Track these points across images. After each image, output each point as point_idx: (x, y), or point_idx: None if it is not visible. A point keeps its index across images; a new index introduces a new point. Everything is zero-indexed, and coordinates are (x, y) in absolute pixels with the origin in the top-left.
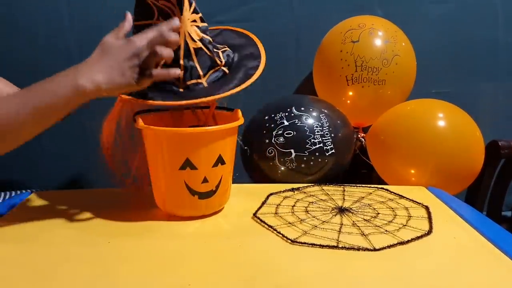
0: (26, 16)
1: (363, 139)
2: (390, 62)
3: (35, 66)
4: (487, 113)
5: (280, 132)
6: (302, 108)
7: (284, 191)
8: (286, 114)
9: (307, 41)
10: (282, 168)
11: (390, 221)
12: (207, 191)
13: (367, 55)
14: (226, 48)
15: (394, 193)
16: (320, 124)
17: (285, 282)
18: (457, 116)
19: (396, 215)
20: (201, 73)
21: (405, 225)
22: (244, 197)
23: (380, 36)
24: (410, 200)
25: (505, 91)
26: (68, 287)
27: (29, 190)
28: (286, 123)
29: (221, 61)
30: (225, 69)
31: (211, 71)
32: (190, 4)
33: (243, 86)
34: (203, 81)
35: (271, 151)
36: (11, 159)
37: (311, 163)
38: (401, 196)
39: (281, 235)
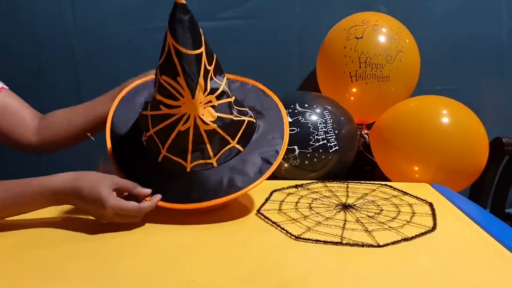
0: (29, 14)
1: (366, 136)
2: (394, 58)
3: (38, 64)
4: (491, 110)
5: None
6: (306, 105)
7: (287, 188)
8: (290, 110)
9: (311, 37)
10: (286, 165)
11: (394, 218)
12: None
13: (371, 51)
14: (246, 118)
15: (398, 189)
16: (323, 121)
17: (289, 278)
18: (461, 113)
19: (400, 211)
20: (211, 153)
21: (409, 222)
22: (247, 193)
23: (384, 33)
24: (414, 196)
25: (509, 88)
26: (73, 282)
27: None
28: (289, 119)
29: (234, 138)
30: (238, 146)
31: (222, 151)
32: (207, 83)
33: (252, 186)
34: (213, 162)
35: None
36: (14, 157)
37: (315, 159)
38: (405, 193)
39: (285, 232)
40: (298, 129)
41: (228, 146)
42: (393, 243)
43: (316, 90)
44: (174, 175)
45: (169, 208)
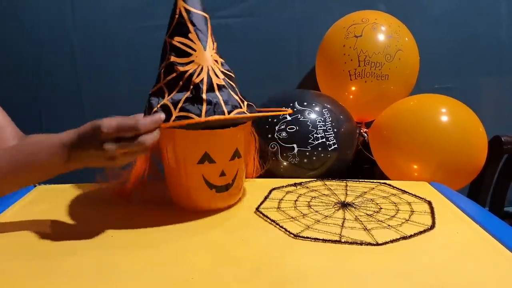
0: (29, 14)
1: (365, 134)
2: (393, 57)
3: (37, 63)
4: (490, 108)
5: (282, 127)
6: (305, 103)
7: (286, 186)
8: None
9: (310, 35)
10: (285, 163)
11: (393, 216)
12: (225, 184)
13: (370, 50)
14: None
15: (396, 188)
16: (322, 119)
17: (287, 277)
18: (460, 111)
19: (398, 210)
20: (225, 110)
21: (408, 220)
22: (246, 191)
23: (383, 31)
24: (413, 195)
25: (508, 86)
26: (72, 280)
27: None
28: (288, 118)
29: (243, 103)
30: (248, 113)
31: (235, 111)
32: (213, 44)
33: (274, 112)
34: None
35: (273, 146)
36: None
37: (314, 158)
38: (404, 191)
39: (283, 230)
40: (297, 127)
41: (239, 110)
42: (392, 241)
43: (315, 88)
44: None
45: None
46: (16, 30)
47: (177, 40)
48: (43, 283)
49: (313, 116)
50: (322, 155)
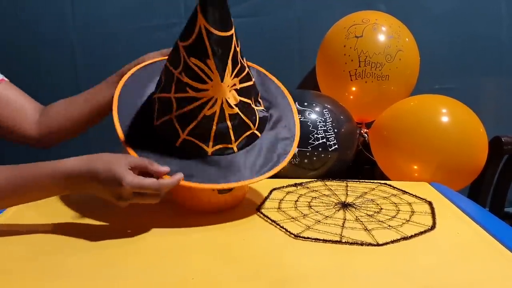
0: (29, 12)
1: (366, 135)
2: (394, 57)
3: (37, 63)
4: (491, 109)
5: None
6: (305, 103)
7: (287, 186)
8: None
9: (310, 36)
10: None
11: (393, 217)
12: None
13: (371, 50)
14: (261, 108)
15: (397, 188)
16: (323, 120)
17: (288, 277)
18: (461, 112)
19: (399, 210)
20: (233, 138)
21: (409, 221)
22: (247, 192)
23: (383, 32)
24: (413, 195)
25: (509, 87)
26: (73, 279)
27: None
28: None
29: (255, 123)
30: (257, 132)
31: (243, 136)
32: (235, 66)
33: (272, 172)
34: (234, 147)
35: None
36: (15, 153)
37: (314, 158)
38: (404, 192)
39: (284, 230)
40: None
41: (249, 132)
42: (393, 242)
43: (315, 88)
44: (194, 158)
45: (183, 203)
46: (16, 29)
47: (193, 62)
48: (43, 283)
49: (313, 116)
50: (323, 155)
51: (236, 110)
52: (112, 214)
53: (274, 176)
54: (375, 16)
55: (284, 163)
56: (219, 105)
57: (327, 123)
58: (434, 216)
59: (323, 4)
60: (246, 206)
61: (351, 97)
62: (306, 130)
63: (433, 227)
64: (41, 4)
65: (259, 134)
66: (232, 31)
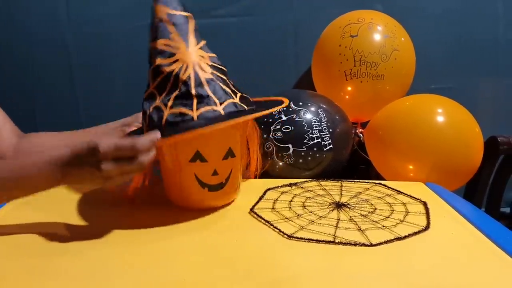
0: (23, 13)
1: (361, 135)
2: (389, 57)
3: (32, 63)
4: (487, 109)
5: (278, 127)
6: (300, 103)
7: (281, 186)
8: (284, 109)
9: (306, 35)
10: (280, 163)
11: (388, 217)
12: (217, 183)
13: (366, 50)
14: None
15: (392, 188)
16: (318, 119)
17: (281, 277)
18: (456, 111)
19: (393, 210)
20: (216, 101)
21: (403, 221)
22: (241, 192)
23: (379, 31)
24: (408, 195)
25: (505, 87)
26: (65, 280)
27: None
28: (284, 118)
29: (236, 96)
30: (241, 104)
31: (226, 102)
32: (198, 42)
33: (272, 110)
34: (220, 109)
35: (269, 146)
36: None
37: (309, 158)
38: (399, 192)
39: (277, 230)
40: (293, 128)
41: (231, 100)
42: (386, 242)
43: (311, 88)
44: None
45: (174, 200)
46: (10, 29)
47: (160, 43)
48: (37, 283)
49: (308, 116)
50: (318, 155)
51: (211, 75)
52: (105, 215)
53: (269, 176)
54: (370, 15)
55: (263, 113)
56: (192, 68)
57: (322, 123)
58: (428, 216)
59: (319, 3)
60: (240, 206)
61: (347, 96)
62: (301, 130)
63: (427, 227)
64: (36, 3)
65: (245, 107)
66: (190, 14)
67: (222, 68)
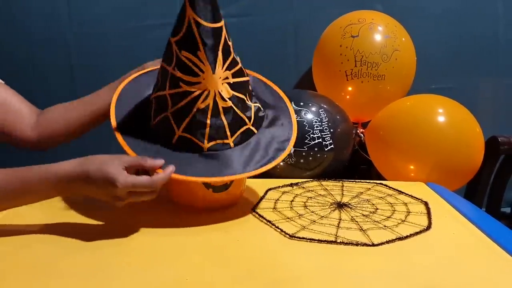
0: (24, 13)
1: (362, 135)
2: (390, 57)
3: (32, 63)
4: (487, 109)
5: None
6: (301, 103)
7: (282, 186)
8: None
9: (307, 35)
10: (281, 163)
11: (389, 217)
12: (222, 184)
13: (367, 50)
14: (258, 104)
15: (393, 188)
16: (319, 120)
17: (283, 277)
18: (457, 111)
19: (395, 210)
20: (228, 133)
21: (404, 221)
22: (243, 191)
23: (380, 31)
24: (409, 195)
25: (505, 87)
26: (66, 280)
27: None
28: None
29: (250, 120)
30: (253, 128)
31: (239, 132)
32: (226, 58)
33: (266, 168)
34: (230, 142)
35: None
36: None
37: (310, 158)
38: (400, 192)
39: (279, 230)
40: None
41: (244, 127)
42: (388, 242)
43: (311, 88)
44: (190, 154)
45: (178, 200)
46: (10, 29)
47: (184, 55)
48: (38, 283)
49: (309, 116)
50: (319, 155)
51: (230, 103)
52: (106, 215)
53: (270, 176)
54: (371, 15)
55: (278, 160)
56: (212, 97)
57: (323, 123)
58: (429, 216)
59: (319, 4)
60: (242, 206)
61: (347, 97)
62: (302, 130)
63: (428, 227)
64: (37, 3)
65: (255, 131)
66: (222, 23)
67: (243, 79)
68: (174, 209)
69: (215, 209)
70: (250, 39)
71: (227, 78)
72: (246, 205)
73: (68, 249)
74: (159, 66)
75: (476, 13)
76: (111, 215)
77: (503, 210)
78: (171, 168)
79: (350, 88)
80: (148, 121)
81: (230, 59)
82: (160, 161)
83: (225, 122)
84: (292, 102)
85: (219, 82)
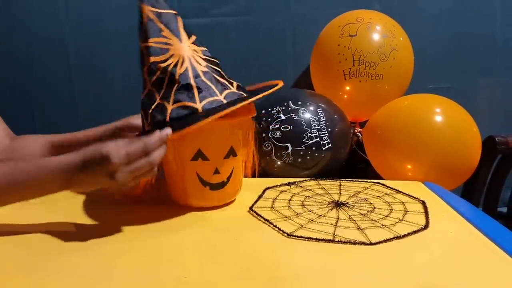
0: (22, 10)
1: (359, 134)
2: (388, 56)
3: (31, 63)
4: (484, 108)
5: (277, 126)
6: (299, 102)
7: (280, 185)
8: (283, 108)
9: (305, 35)
10: (279, 162)
11: (387, 216)
12: (219, 182)
13: (365, 49)
14: (238, 83)
15: (390, 187)
16: (317, 119)
17: (280, 276)
18: (454, 111)
19: (392, 209)
20: (216, 90)
21: (402, 220)
22: (240, 190)
23: (378, 31)
24: (407, 195)
25: (503, 87)
26: (64, 280)
27: None
28: (283, 117)
29: (232, 85)
30: (241, 92)
31: (226, 91)
32: (189, 36)
33: (272, 90)
34: (221, 98)
35: (267, 145)
36: None
37: (308, 157)
38: (398, 191)
39: (277, 229)
40: (291, 127)
41: (229, 90)
42: (385, 241)
43: (309, 87)
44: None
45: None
46: (9, 28)
47: (152, 41)
48: (38, 282)
49: (307, 115)
50: (316, 154)
51: (206, 69)
52: (104, 214)
53: (268, 175)
54: (369, 15)
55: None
56: (188, 61)
57: (321, 122)
58: (427, 215)
59: (318, 3)
60: (239, 205)
61: (345, 96)
62: (300, 129)
63: (426, 226)
64: (35, 3)
65: (244, 94)
66: (174, 11)
67: (215, 60)
68: (171, 208)
69: (213, 207)
70: (248, 39)
71: (195, 51)
72: (244, 204)
73: (65, 248)
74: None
75: (474, 13)
76: (108, 214)
77: (499, 210)
78: (166, 129)
79: (348, 88)
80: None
81: (193, 37)
82: (166, 130)
83: (210, 84)
84: (290, 101)
85: (190, 50)
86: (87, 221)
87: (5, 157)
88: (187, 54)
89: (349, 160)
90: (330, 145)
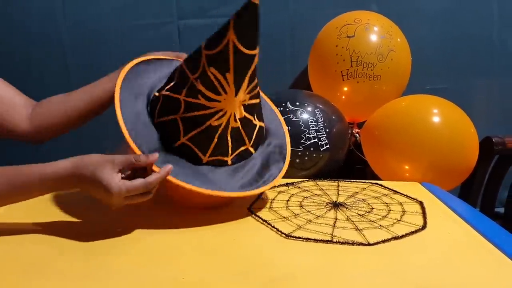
0: (19, 9)
1: (357, 135)
2: (386, 57)
3: (28, 62)
4: (482, 109)
5: None
6: (297, 103)
7: (278, 186)
8: (281, 109)
9: (303, 36)
10: None
11: (384, 216)
12: None
13: (363, 50)
14: (262, 124)
15: (388, 188)
16: (315, 119)
17: (279, 276)
18: (452, 112)
19: (390, 210)
20: (230, 151)
21: (399, 220)
22: None
23: (375, 32)
24: (405, 195)
25: (500, 88)
26: (62, 280)
27: None
28: None
29: (250, 140)
30: (251, 149)
31: (238, 150)
32: (250, 83)
33: (258, 191)
34: (228, 160)
35: None
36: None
37: (306, 158)
38: (396, 192)
39: (275, 230)
40: (289, 128)
41: (243, 147)
42: (383, 241)
43: (307, 88)
44: (187, 161)
45: (174, 198)
46: (6, 28)
47: (212, 72)
48: (37, 283)
49: (305, 116)
50: (314, 155)
51: (239, 124)
52: (102, 214)
53: None
54: (367, 16)
55: (267, 187)
56: (227, 118)
57: (319, 123)
58: (425, 216)
59: (315, 4)
60: (238, 206)
61: (343, 97)
62: (298, 130)
63: (424, 226)
64: (32, 3)
65: (253, 151)
66: (257, 50)
67: (257, 102)
68: (170, 208)
69: (211, 208)
70: None
71: (244, 100)
72: (242, 205)
73: (63, 249)
74: (162, 57)
75: (471, 14)
76: (107, 214)
77: (497, 210)
78: (168, 167)
79: (345, 88)
80: (150, 115)
81: (253, 83)
82: (154, 156)
83: (230, 141)
84: (288, 102)
85: (237, 105)
86: (87, 221)
87: (30, 125)
88: (231, 110)
89: (347, 160)
90: (328, 146)
